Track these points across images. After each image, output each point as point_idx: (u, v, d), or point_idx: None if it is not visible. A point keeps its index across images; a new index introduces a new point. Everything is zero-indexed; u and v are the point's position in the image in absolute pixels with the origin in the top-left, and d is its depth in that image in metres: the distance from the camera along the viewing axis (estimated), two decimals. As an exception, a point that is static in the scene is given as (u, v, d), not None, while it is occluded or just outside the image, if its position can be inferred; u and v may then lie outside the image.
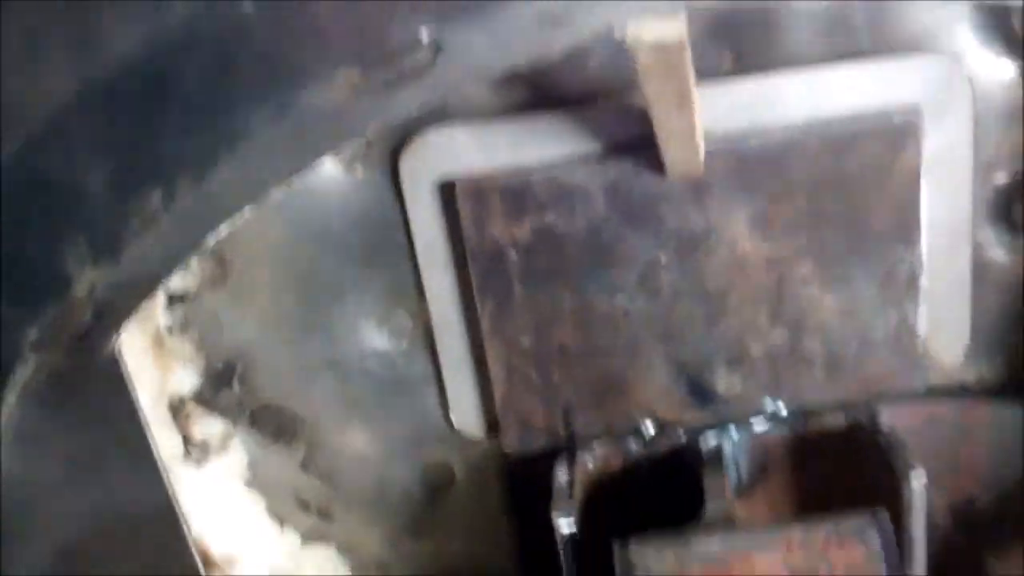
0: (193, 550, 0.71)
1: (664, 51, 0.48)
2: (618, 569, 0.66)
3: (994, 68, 0.69)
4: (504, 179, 0.69)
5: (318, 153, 0.52)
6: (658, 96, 0.56)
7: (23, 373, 0.52)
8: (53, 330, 0.51)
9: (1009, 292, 0.74)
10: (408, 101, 0.51)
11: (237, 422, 0.80)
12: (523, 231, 0.70)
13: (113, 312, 0.52)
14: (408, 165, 0.70)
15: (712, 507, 0.70)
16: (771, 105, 0.68)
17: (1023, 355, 0.75)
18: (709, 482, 0.72)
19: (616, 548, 0.67)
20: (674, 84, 0.53)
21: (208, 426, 0.79)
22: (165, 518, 0.66)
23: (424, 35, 0.49)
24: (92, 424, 0.56)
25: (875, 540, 0.64)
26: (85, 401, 0.55)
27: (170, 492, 0.62)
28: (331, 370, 0.77)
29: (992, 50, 0.68)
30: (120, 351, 0.55)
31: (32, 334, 0.51)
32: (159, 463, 0.61)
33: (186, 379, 0.75)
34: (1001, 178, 0.71)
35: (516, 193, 0.69)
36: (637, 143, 0.68)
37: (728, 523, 0.68)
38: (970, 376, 0.76)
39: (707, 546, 0.65)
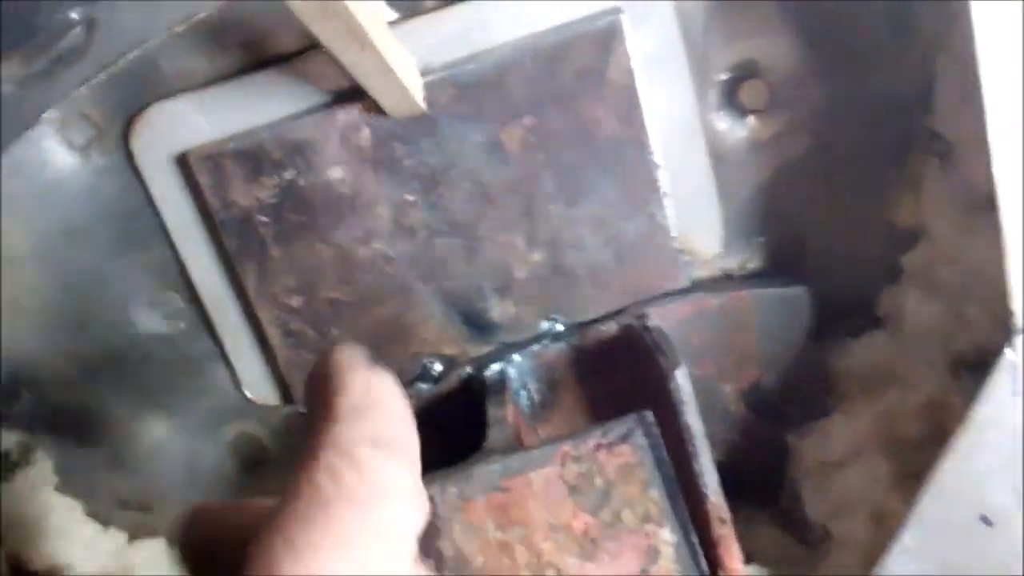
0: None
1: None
2: None
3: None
4: (234, 143, 0.69)
5: None
6: (332, 41, 0.57)
7: None
8: None
9: (751, 172, 0.76)
10: (75, 79, 0.51)
11: (36, 431, 0.80)
12: (266, 192, 0.71)
13: None
14: (139, 144, 0.70)
15: (494, 435, 0.70)
16: (484, 30, 0.69)
17: (776, 234, 0.77)
18: (491, 411, 0.73)
19: None
20: (339, 25, 0.54)
21: (5, 439, 0.78)
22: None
23: (75, 15, 0.49)
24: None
25: (640, 439, 0.65)
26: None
27: None
28: (112, 361, 0.77)
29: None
30: None
31: None
32: None
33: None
34: (722, 70, 0.73)
35: (249, 155, 0.69)
36: (359, 88, 0.68)
37: (508, 448, 0.68)
38: (732, 264, 0.78)
39: (488, 474, 0.66)
